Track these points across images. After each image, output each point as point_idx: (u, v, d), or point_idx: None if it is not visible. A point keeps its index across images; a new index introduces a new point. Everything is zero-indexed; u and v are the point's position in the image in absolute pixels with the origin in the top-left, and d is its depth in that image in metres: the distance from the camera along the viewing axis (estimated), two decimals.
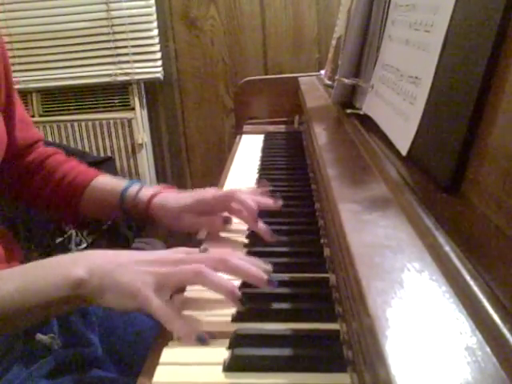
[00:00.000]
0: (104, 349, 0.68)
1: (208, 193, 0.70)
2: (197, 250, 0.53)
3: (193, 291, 0.53)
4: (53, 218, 0.99)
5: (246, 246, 0.65)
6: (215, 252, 0.53)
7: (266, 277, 0.49)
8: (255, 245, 0.65)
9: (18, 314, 0.48)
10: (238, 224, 0.71)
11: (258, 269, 0.50)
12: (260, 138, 1.28)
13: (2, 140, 0.69)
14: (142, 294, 0.46)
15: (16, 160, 0.80)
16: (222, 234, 0.70)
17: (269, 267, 0.52)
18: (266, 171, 0.99)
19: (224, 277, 0.50)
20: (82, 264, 0.49)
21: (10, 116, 0.75)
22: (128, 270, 0.48)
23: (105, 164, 1.91)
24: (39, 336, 0.65)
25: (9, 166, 0.77)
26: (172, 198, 0.73)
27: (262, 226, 0.65)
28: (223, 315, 0.49)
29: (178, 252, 0.53)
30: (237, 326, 0.46)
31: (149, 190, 0.75)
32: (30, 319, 0.51)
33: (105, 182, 0.80)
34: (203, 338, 0.45)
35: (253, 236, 0.66)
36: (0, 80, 0.72)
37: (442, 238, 0.32)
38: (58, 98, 2.03)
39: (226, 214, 0.70)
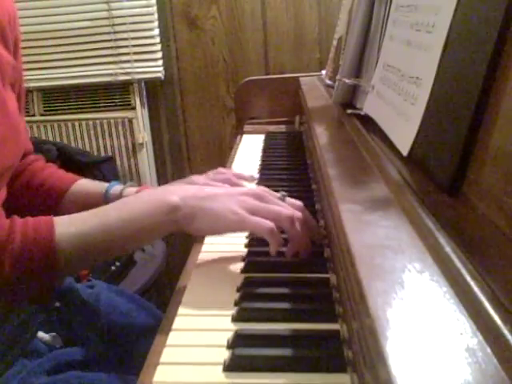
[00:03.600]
0: (105, 348, 0.68)
1: (197, 181, 0.76)
2: (275, 193, 0.60)
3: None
4: None
5: (246, 246, 0.65)
6: (291, 202, 0.59)
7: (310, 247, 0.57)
8: (255, 245, 0.65)
9: (123, 240, 0.55)
10: None
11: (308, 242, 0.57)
12: (261, 138, 1.28)
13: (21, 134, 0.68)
14: (236, 216, 0.53)
15: None
16: None
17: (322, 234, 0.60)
18: (267, 171, 0.99)
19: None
20: (176, 193, 0.55)
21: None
22: (220, 200, 0.54)
23: (105, 164, 1.91)
24: (41, 334, 0.65)
25: None
26: (160, 190, 0.73)
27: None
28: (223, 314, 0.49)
29: (261, 190, 0.59)
30: (237, 326, 0.47)
31: (132, 188, 0.78)
32: (133, 244, 0.58)
33: (86, 184, 0.81)
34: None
35: (253, 237, 0.66)
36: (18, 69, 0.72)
37: (442, 239, 0.32)
38: (59, 98, 2.03)
39: None
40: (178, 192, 0.55)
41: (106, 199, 0.78)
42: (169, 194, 0.55)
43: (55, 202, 0.79)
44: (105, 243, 0.54)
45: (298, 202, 0.60)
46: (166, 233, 0.57)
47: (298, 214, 0.56)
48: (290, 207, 0.57)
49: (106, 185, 0.80)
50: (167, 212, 0.53)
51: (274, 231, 0.53)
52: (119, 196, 0.77)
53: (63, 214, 0.78)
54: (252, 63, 1.97)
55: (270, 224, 0.53)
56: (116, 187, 0.79)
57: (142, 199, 0.57)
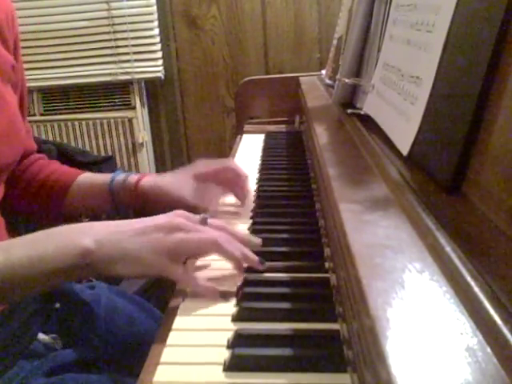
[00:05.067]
0: (105, 349, 0.68)
1: (199, 167, 0.76)
2: (196, 216, 0.55)
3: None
4: (35, 219, 1.00)
5: None
6: (213, 223, 0.55)
7: (256, 258, 0.54)
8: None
9: (27, 281, 0.49)
10: (238, 224, 0.71)
11: (249, 251, 0.54)
12: (261, 137, 1.28)
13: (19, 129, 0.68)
14: (156, 262, 0.49)
15: None
16: None
17: (258, 241, 0.57)
18: (267, 171, 0.99)
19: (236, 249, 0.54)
20: (89, 234, 0.50)
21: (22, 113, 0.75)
22: (139, 239, 0.50)
23: (105, 163, 1.91)
24: (41, 336, 0.65)
25: None
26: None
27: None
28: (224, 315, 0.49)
29: (179, 217, 0.53)
30: (237, 326, 0.46)
31: (134, 176, 0.77)
32: (39, 286, 0.52)
33: (89, 177, 0.81)
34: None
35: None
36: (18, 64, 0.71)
37: (442, 239, 0.32)
38: (59, 97, 2.03)
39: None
40: (92, 233, 0.50)
41: (110, 189, 0.77)
42: (82, 236, 0.49)
43: (61, 196, 0.79)
44: (5, 282, 0.48)
45: (219, 222, 0.57)
46: (80, 276, 0.53)
47: (222, 235, 0.53)
48: (212, 230, 0.53)
49: (109, 175, 0.79)
50: (78, 255, 0.48)
51: (193, 278, 0.51)
52: (122, 184, 0.76)
53: (69, 207, 0.80)
54: (252, 63, 1.97)
55: (186, 274, 0.51)
56: (119, 176, 0.78)
57: (53, 238, 0.51)
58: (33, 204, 0.82)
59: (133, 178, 0.76)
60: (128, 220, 0.52)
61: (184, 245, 0.50)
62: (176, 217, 0.53)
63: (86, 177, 0.81)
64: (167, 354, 0.44)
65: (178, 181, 0.75)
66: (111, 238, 0.49)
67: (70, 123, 2.01)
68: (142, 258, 0.49)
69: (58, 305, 0.70)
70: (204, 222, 0.54)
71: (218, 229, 0.54)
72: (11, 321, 0.61)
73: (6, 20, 0.70)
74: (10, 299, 0.54)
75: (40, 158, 0.84)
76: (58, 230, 0.52)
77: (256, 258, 0.54)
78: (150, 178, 0.76)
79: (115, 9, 1.91)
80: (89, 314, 0.70)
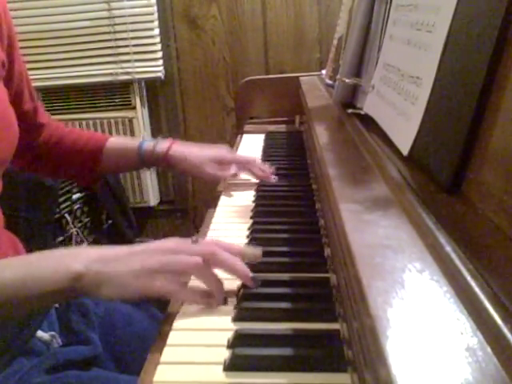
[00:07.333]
0: (104, 348, 0.68)
1: (223, 151, 0.89)
2: (188, 240, 0.54)
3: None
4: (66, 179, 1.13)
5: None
6: (205, 243, 0.54)
7: (250, 274, 0.51)
8: (256, 245, 0.65)
9: (17, 301, 0.50)
10: (238, 224, 0.71)
11: (243, 265, 0.52)
12: (261, 137, 1.28)
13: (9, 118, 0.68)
14: (139, 283, 0.49)
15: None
16: (223, 234, 0.70)
17: (258, 252, 0.55)
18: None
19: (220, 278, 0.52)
20: (81, 258, 0.50)
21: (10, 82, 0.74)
22: (124, 262, 0.50)
23: None
24: (40, 333, 0.65)
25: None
26: (194, 148, 0.88)
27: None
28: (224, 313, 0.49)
29: (169, 242, 0.53)
30: (237, 326, 0.46)
31: (164, 144, 0.87)
32: (29, 307, 0.53)
33: (118, 142, 0.90)
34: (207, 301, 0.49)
35: (253, 237, 0.67)
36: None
37: (442, 238, 0.32)
38: (59, 97, 2.03)
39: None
40: (83, 258, 0.50)
41: (140, 156, 0.86)
42: (74, 261, 0.50)
43: (96, 160, 0.87)
44: None
45: (210, 241, 0.57)
46: (69, 298, 0.55)
47: (213, 251, 0.51)
48: (202, 249, 0.52)
49: (137, 142, 0.88)
50: (70, 279, 0.49)
51: (181, 291, 0.50)
52: (152, 152, 0.86)
53: (104, 168, 0.88)
54: (252, 63, 1.97)
55: (173, 287, 0.50)
56: (148, 143, 0.87)
57: (46, 261, 0.52)
58: (67, 168, 0.90)
59: (161, 148, 0.86)
60: (121, 246, 0.53)
61: (169, 266, 0.50)
62: (167, 241, 0.53)
63: (114, 142, 0.89)
64: (167, 353, 0.44)
65: (202, 157, 0.86)
66: (100, 263, 0.50)
67: (70, 123, 2.00)
68: (124, 281, 0.49)
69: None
70: (196, 243, 0.54)
71: (211, 246, 0.53)
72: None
73: None
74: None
75: (59, 126, 0.90)
76: (52, 254, 0.53)
77: (249, 274, 0.51)
78: (178, 149, 0.86)
79: (115, 9, 1.91)
80: (88, 312, 0.70)
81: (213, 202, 0.84)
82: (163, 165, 0.88)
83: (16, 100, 0.75)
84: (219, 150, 0.89)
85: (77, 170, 0.90)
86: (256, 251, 0.55)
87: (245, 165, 0.90)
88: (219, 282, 0.51)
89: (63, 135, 0.88)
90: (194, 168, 0.86)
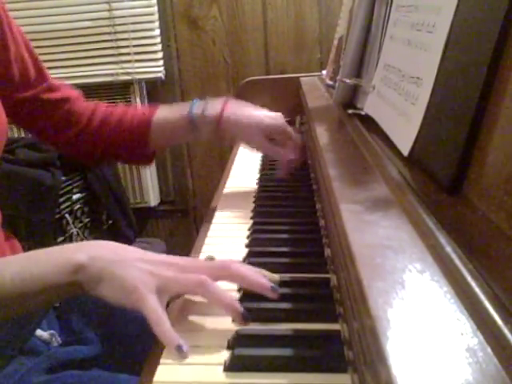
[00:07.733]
0: (104, 347, 0.68)
1: (276, 119, 0.87)
2: (202, 259, 0.53)
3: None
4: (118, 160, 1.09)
5: (247, 246, 0.65)
6: (220, 261, 0.52)
7: (269, 284, 0.48)
8: (256, 245, 0.65)
9: (18, 298, 0.48)
10: (239, 224, 0.71)
11: (260, 276, 0.49)
12: None
13: None
14: (139, 292, 0.46)
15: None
16: (223, 234, 0.70)
17: (275, 277, 0.52)
18: (267, 171, 0.99)
19: (226, 292, 0.48)
20: (85, 251, 0.48)
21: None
22: (131, 265, 0.47)
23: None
24: (39, 332, 0.65)
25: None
26: (244, 114, 0.84)
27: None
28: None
29: (184, 259, 0.51)
30: (237, 326, 0.46)
31: (215, 105, 0.82)
32: (29, 305, 0.51)
33: (165, 113, 0.86)
34: (182, 349, 0.43)
35: (253, 238, 0.67)
36: None
37: (443, 239, 0.32)
38: None
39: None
40: (88, 250, 0.49)
41: (191, 122, 0.81)
42: (77, 252, 0.48)
43: (145, 136, 0.82)
44: None
45: (228, 259, 0.53)
46: (70, 295, 0.52)
47: (228, 264, 0.50)
48: (214, 267, 0.50)
49: (186, 108, 0.82)
50: (70, 270, 0.47)
51: (204, 283, 0.47)
52: (203, 116, 0.81)
53: (154, 142, 0.83)
54: (252, 63, 1.96)
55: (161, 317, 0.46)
56: (197, 106, 0.82)
57: (47, 255, 0.50)
58: (117, 150, 0.85)
59: (212, 110, 0.81)
60: (132, 247, 0.51)
61: (168, 282, 0.47)
62: (178, 258, 0.51)
63: (161, 115, 0.85)
64: (167, 354, 0.44)
65: (253, 129, 0.83)
66: (105, 258, 0.48)
67: None
68: (125, 284, 0.46)
69: None
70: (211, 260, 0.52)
71: (222, 266, 0.50)
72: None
73: None
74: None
75: (97, 105, 0.87)
76: (54, 249, 0.51)
77: (269, 284, 0.48)
78: (231, 115, 0.82)
79: (116, 9, 1.91)
80: (88, 311, 0.70)
81: (213, 203, 0.84)
82: (216, 131, 0.82)
83: (21, 70, 0.74)
84: (272, 120, 0.86)
85: (127, 150, 0.85)
86: (274, 276, 0.52)
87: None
88: (229, 296, 0.48)
89: (106, 115, 0.84)
90: (244, 136, 0.84)
